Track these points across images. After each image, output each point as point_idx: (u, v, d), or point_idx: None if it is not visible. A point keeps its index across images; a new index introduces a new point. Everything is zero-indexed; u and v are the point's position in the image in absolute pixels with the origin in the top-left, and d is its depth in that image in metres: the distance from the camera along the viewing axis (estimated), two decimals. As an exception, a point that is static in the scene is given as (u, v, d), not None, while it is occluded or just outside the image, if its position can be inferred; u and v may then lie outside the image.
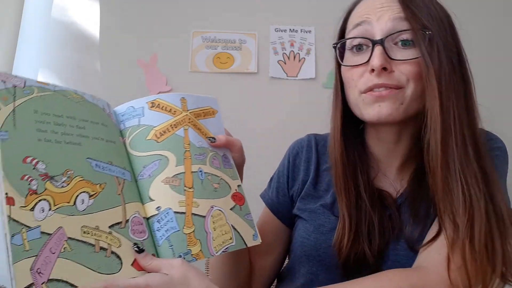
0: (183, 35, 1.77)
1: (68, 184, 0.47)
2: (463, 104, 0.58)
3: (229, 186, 0.62)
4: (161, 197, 0.55)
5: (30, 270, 0.40)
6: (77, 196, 0.47)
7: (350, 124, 0.68)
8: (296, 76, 1.75)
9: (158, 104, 0.60)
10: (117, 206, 0.51)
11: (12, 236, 0.40)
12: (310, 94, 1.74)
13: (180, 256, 0.52)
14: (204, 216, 0.56)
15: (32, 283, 0.40)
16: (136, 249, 0.49)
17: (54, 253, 0.42)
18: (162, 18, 1.78)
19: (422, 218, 0.61)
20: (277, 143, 1.39)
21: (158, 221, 0.54)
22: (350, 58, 0.66)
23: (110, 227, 0.49)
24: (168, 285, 0.48)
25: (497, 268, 0.53)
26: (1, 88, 0.46)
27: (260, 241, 0.61)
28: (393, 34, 0.60)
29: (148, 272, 0.49)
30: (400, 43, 0.60)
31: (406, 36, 0.60)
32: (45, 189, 0.45)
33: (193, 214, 0.55)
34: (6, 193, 0.41)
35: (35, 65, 1.74)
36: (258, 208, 0.77)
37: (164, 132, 0.59)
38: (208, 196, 0.58)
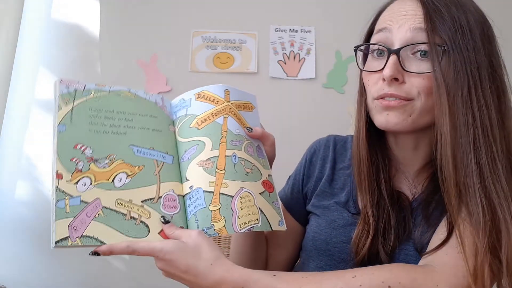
0: (183, 35, 1.77)
1: (110, 165, 0.57)
2: (495, 118, 0.55)
3: (261, 173, 0.67)
4: (195, 177, 0.62)
5: (68, 226, 0.51)
6: (116, 175, 0.57)
7: (374, 125, 0.68)
8: (296, 76, 1.75)
9: (204, 95, 0.67)
10: (152, 185, 0.59)
11: (57, 201, 0.52)
12: (310, 94, 1.74)
13: (203, 230, 0.58)
14: (232, 196, 0.61)
15: (68, 236, 0.50)
16: (162, 220, 0.57)
17: (89, 217, 0.53)
18: (162, 18, 1.78)
19: (433, 224, 0.61)
20: (277, 143, 1.39)
21: (189, 198, 0.61)
22: (370, 62, 0.66)
23: (142, 201, 0.58)
24: (181, 251, 0.53)
25: None
26: (64, 93, 0.58)
27: (286, 228, 0.65)
28: (410, 45, 0.59)
29: None
30: (418, 54, 0.59)
31: (424, 47, 0.58)
32: (89, 168, 0.56)
33: (221, 193, 0.61)
34: (57, 170, 0.53)
35: (35, 65, 1.74)
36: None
37: (205, 120, 0.65)
38: (239, 179, 0.63)
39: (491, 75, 0.57)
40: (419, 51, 0.59)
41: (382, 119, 0.62)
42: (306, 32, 1.78)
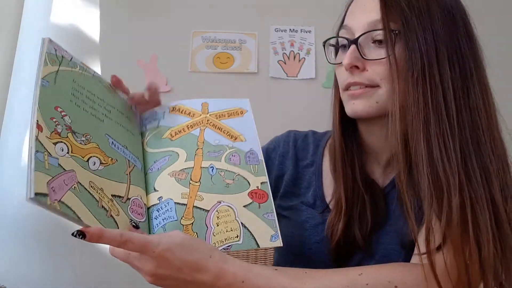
0: (183, 35, 1.77)
1: (86, 144, 0.52)
2: (451, 97, 0.56)
3: (248, 182, 0.60)
4: (165, 188, 0.57)
5: (47, 184, 0.44)
6: (91, 157, 0.52)
7: (348, 117, 0.68)
8: (296, 76, 1.75)
9: (179, 109, 0.66)
10: (122, 183, 0.54)
11: (36, 151, 0.45)
12: (310, 94, 1.74)
13: None
14: (207, 210, 0.56)
15: (47, 194, 0.43)
16: (133, 224, 0.52)
17: (67, 185, 0.47)
18: (162, 18, 1.78)
19: (409, 212, 0.59)
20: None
21: (158, 210, 0.55)
22: (339, 55, 0.67)
23: (112, 195, 0.52)
24: (178, 246, 0.48)
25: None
26: (52, 53, 0.55)
27: (281, 243, 0.56)
28: (366, 32, 0.60)
29: None
30: (376, 42, 0.61)
31: (379, 35, 0.60)
32: (67, 136, 0.50)
33: (195, 207, 0.56)
34: (37, 121, 0.47)
35: (35, 65, 1.74)
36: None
37: (180, 131, 0.63)
38: (216, 191, 0.58)
39: (455, 56, 0.58)
40: (376, 40, 0.60)
41: (349, 108, 0.63)
42: (306, 32, 1.78)
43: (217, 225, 0.55)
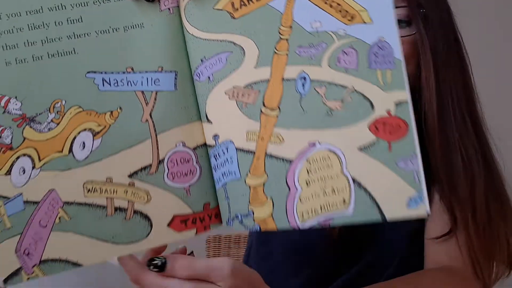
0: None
1: (58, 123, 0.33)
2: (460, 80, 0.59)
3: (371, 104, 0.32)
4: (221, 119, 0.36)
5: (16, 252, 0.32)
6: (74, 138, 0.33)
7: None
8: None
9: None
10: (142, 141, 0.34)
11: None
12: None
13: (237, 217, 0.35)
14: (290, 161, 0.33)
15: (21, 267, 0.32)
16: (155, 270, 0.33)
17: (45, 227, 0.33)
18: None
19: None
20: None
21: (215, 157, 0.36)
22: None
23: (131, 175, 0.34)
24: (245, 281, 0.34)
25: (500, 250, 0.52)
26: None
27: (427, 211, 0.29)
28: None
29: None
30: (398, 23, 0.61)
31: (401, 15, 0.59)
32: (24, 139, 0.32)
33: (268, 155, 0.34)
34: None
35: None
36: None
37: (247, 0, 0.34)
38: (308, 124, 0.33)
39: (455, 39, 0.61)
40: (399, 21, 0.62)
41: None
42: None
43: (307, 185, 0.33)
